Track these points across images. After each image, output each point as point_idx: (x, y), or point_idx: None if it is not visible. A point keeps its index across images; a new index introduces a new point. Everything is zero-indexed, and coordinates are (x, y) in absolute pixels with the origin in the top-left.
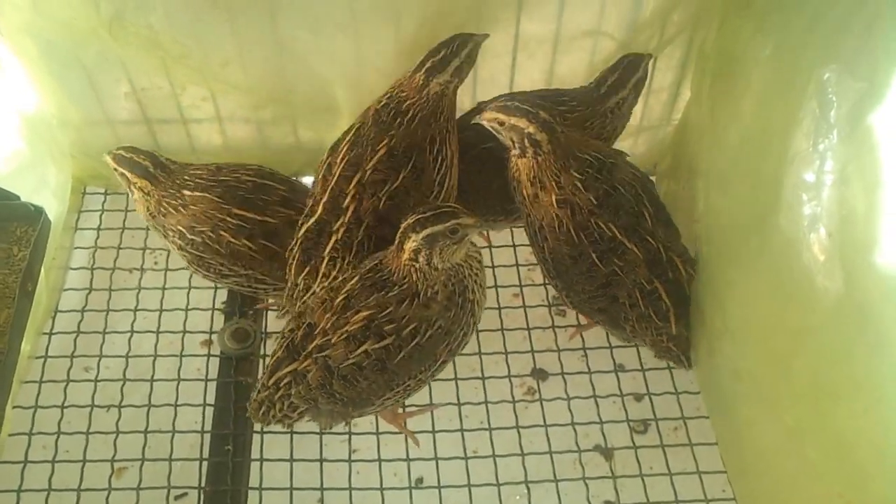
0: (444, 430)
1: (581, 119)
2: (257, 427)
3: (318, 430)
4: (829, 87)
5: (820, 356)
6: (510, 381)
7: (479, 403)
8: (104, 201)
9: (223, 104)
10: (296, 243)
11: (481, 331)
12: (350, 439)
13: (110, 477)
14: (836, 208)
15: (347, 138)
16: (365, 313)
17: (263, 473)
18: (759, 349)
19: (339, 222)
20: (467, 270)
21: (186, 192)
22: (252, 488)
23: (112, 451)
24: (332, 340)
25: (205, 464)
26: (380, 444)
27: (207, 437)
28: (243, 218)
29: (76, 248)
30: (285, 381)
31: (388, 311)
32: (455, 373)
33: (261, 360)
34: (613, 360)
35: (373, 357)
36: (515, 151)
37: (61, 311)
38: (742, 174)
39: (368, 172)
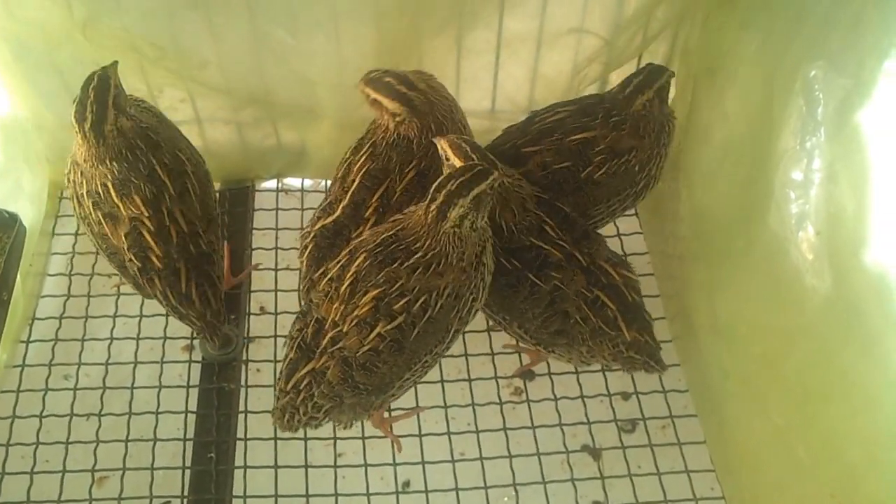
0: (430, 433)
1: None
2: (240, 434)
3: (301, 436)
4: (816, 84)
5: (809, 356)
6: (497, 382)
7: (466, 405)
8: None
9: (202, 106)
10: (310, 237)
11: (468, 332)
12: (335, 444)
13: (91, 487)
14: (825, 206)
15: (365, 148)
16: (373, 293)
17: (248, 481)
18: (748, 348)
19: (358, 230)
20: (486, 233)
21: None
22: (236, 496)
23: (92, 461)
24: (344, 330)
25: (188, 472)
26: (365, 448)
27: (190, 444)
28: None
29: (53, 253)
30: (305, 382)
31: (398, 284)
32: (441, 375)
33: (244, 366)
34: None
35: (388, 339)
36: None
37: (39, 319)
38: (728, 172)
39: (398, 194)
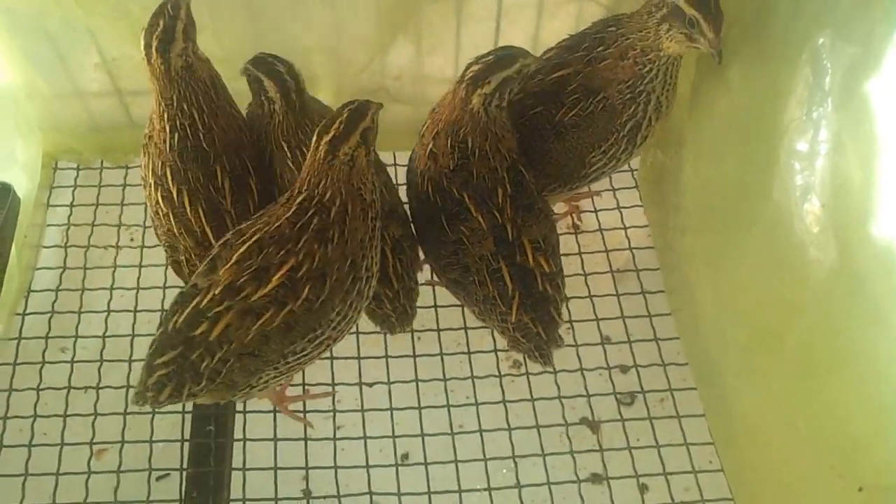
0: (430, 405)
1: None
2: (239, 406)
3: (301, 409)
4: (823, 53)
5: (812, 329)
6: (496, 355)
7: (465, 378)
8: (76, 177)
9: None
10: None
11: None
12: (334, 416)
13: (89, 460)
14: (830, 178)
15: (176, 189)
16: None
17: (247, 453)
18: (750, 321)
19: None
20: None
21: None
22: (235, 469)
23: (91, 434)
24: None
25: (186, 444)
26: (365, 420)
27: (189, 417)
28: None
29: (49, 225)
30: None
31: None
32: (440, 348)
33: None
34: (600, 332)
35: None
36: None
37: (35, 291)
38: (732, 144)
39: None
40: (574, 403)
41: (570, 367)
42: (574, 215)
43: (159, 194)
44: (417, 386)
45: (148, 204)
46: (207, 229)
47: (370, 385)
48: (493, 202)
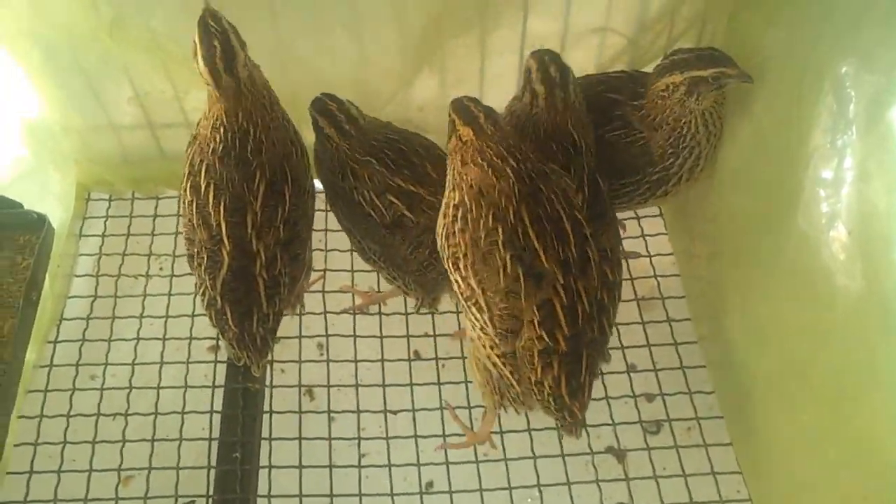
0: (454, 433)
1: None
2: (265, 433)
3: (325, 436)
4: (847, 82)
5: (841, 356)
6: None
7: None
8: (108, 207)
9: None
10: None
11: None
12: (359, 444)
13: (117, 486)
14: (856, 205)
15: (205, 182)
16: None
17: (272, 481)
18: (778, 348)
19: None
20: None
21: None
22: (261, 496)
23: (119, 460)
24: None
25: (212, 471)
26: (389, 448)
27: (215, 444)
28: None
29: (81, 254)
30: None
31: None
32: (465, 376)
33: (269, 366)
34: (626, 360)
35: None
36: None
37: (66, 319)
38: (756, 172)
39: (259, 213)
40: (599, 432)
41: (595, 396)
42: None
43: (189, 183)
44: (442, 414)
45: (181, 192)
46: (223, 223)
47: (394, 413)
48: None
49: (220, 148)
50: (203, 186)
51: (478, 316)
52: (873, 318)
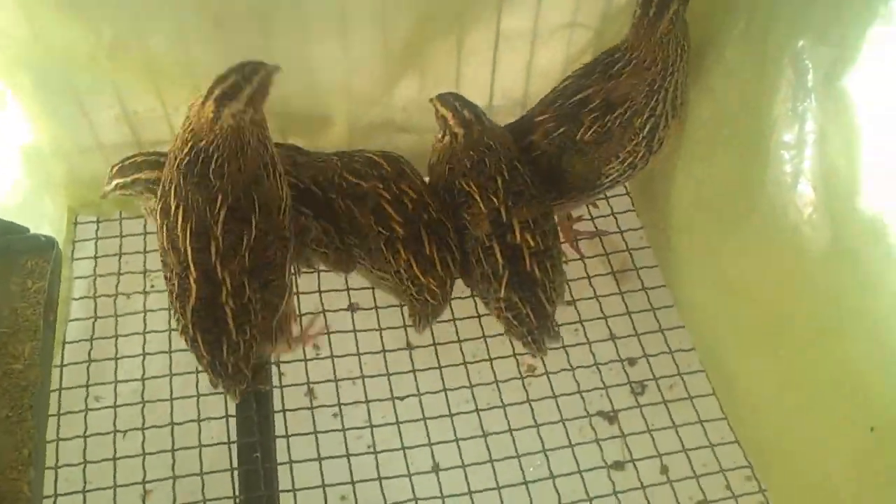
0: (460, 412)
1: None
2: (280, 431)
3: (339, 428)
4: (804, 55)
5: (817, 296)
6: (516, 359)
7: (490, 383)
8: (97, 229)
9: None
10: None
11: (483, 315)
12: (372, 431)
13: (143, 498)
14: (818, 164)
15: (174, 204)
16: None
17: (294, 475)
18: (752, 301)
19: (223, 295)
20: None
21: None
22: (284, 491)
23: (142, 474)
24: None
25: (235, 473)
26: (401, 432)
27: (234, 447)
28: None
29: (76, 277)
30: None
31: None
32: (463, 357)
33: (274, 367)
34: (609, 328)
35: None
36: (438, 135)
37: (70, 342)
38: (722, 143)
39: (221, 239)
40: (592, 397)
41: (584, 363)
42: (572, 244)
43: (160, 205)
44: (446, 395)
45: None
46: (189, 249)
47: (402, 399)
48: (492, 188)
49: (185, 161)
50: (172, 208)
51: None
52: (840, 263)
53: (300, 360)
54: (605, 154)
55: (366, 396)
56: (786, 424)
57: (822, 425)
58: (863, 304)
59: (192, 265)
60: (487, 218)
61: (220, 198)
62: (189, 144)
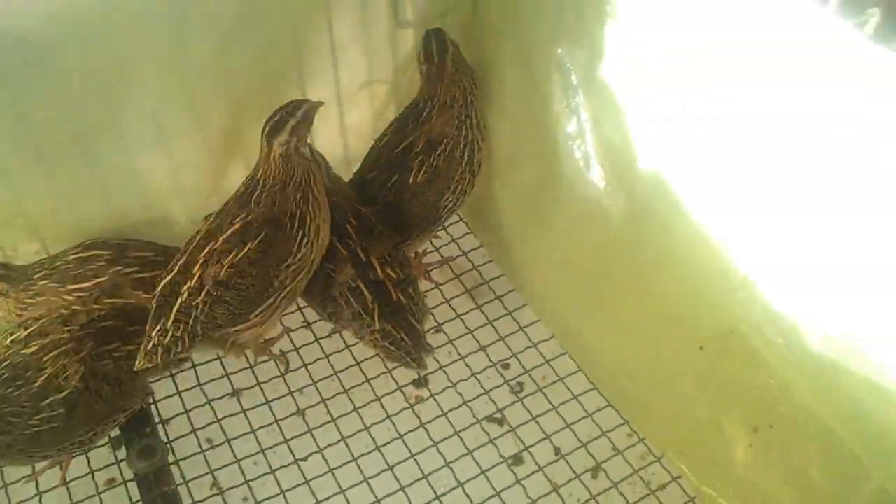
0: (362, 454)
1: (444, 107)
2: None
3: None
4: (564, 59)
5: (626, 252)
6: (402, 392)
7: (384, 420)
8: None
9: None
10: (154, 296)
11: (362, 362)
12: (285, 497)
13: None
14: (600, 145)
15: (218, 210)
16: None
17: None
18: (579, 270)
19: (186, 285)
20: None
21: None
22: None
23: None
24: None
25: None
26: (313, 490)
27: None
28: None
29: None
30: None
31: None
32: (353, 404)
33: (174, 467)
34: (477, 340)
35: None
36: None
37: None
38: (525, 151)
39: (220, 242)
40: (478, 405)
41: (464, 377)
42: (424, 276)
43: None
44: (346, 443)
45: None
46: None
47: (304, 459)
48: (347, 235)
49: (240, 191)
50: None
51: None
52: (638, 217)
53: (198, 453)
54: (438, 189)
55: (270, 467)
56: (637, 370)
57: (665, 358)
58: (664, 245)
59: (183, 249)
60: (349, 261)
61: (243, 215)
62: (250, 177)
